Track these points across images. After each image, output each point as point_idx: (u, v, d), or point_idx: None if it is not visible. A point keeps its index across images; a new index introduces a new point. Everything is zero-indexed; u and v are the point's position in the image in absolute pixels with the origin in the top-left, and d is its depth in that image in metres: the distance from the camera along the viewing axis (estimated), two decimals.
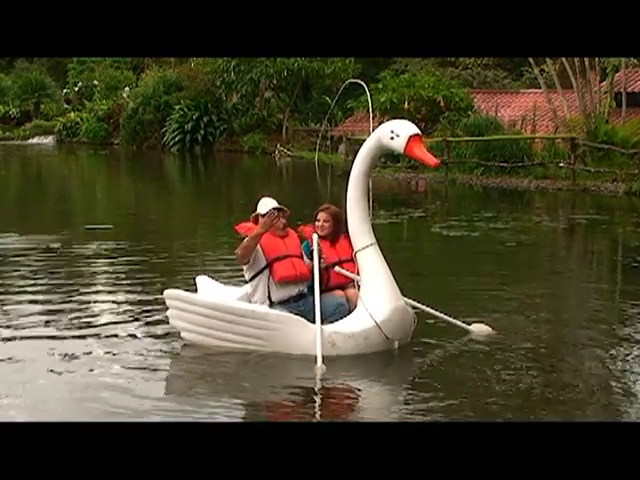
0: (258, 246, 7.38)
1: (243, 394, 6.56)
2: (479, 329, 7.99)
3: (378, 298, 7.29)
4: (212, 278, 8.20)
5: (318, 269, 7.41)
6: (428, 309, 7.90)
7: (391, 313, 7.29)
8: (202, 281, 8.01)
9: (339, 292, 7.62)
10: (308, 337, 7.13)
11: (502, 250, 13.25)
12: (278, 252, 7.45)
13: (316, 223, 7.83)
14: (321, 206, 7.99)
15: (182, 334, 7.54)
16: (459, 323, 7.98)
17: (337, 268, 7.63)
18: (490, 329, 8.01)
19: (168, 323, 7.74)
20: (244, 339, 7.26)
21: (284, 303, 7.40)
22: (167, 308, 7.65)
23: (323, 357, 6.95)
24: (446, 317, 7.98)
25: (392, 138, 7.16)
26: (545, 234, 15.41)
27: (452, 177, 24.07)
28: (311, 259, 7.56)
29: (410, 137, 7.09)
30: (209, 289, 7.89)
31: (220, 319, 7.30)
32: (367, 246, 7.43)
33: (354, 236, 7.49)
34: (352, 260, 7.63)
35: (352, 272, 7.59)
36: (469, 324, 8.03)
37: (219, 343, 7.36)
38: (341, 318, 7.35)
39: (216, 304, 7.44)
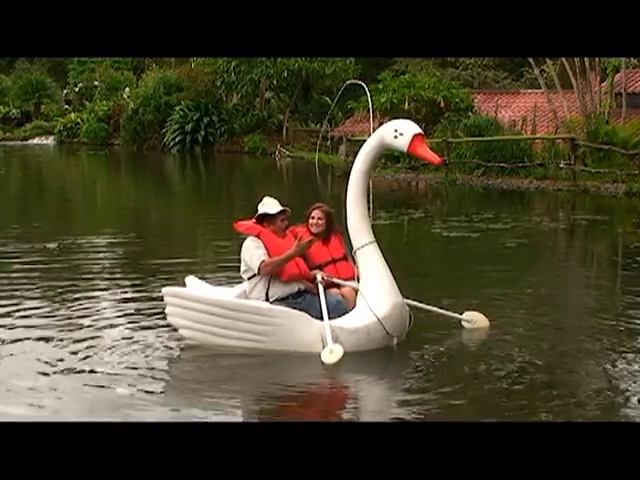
0: (263, 245, 7.43)
1: (243, 394, 6.56)
2: (472, 317, 8.13)
3: (379, 295, 7.36)
4: (211, 279, 8.21)
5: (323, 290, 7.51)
6: (420, 304, 7.95)
7: (392, 309, 7.36)
8: (191, 281, 8.01)
9: (335, 290, 7.67)
10: (312, 333, 7.18)
11: (502, 250, 13.25)
12: (282, 251, 7.48)
13: (310, 221, 7.86)
14: (314, 204, 8.03)
15: (181, 331, 7.50)
16: (451, 314, 8.10)
17: (335, 279, 7.69)
18: (482, 316, 8.14)
19: (167, 321, 7.73)
20: (246, 335, 7.27)
21: (283, 300, 7.42)
22: (165, 306, 7.62)
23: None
24: (437, 309, 8.09)
25: (396, 137, 7.27)
26: (545, 235, 15.40)
27: (452, 178, 24.06)
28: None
29: (414, 136, 7.19)
30: (199, 289, 7.89)
31: (221, 315, 7.30)
32: (367, 244, 7.49)
33: (354, 234, 7.54)
34: (344, 259, 7.78)
35: (346, 270, 7.73)
36: (461, 313, 8.16)
37: (219, 340, 7.35)
38: (339, 315, 7.39)
39: (217, 300, 7.46)
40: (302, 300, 7.46)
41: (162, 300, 7.72)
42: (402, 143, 7.24)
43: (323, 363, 6.98)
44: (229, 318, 7.28)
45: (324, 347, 7.07)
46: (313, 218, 7.85)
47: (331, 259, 7.79)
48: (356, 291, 7.56)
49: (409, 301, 7.77)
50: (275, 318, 7.23)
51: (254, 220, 7.61)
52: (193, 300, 7.43)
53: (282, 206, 7.61)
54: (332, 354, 6.97)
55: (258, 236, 7.50)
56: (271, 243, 7.48)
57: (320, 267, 7.71)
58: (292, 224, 7.86)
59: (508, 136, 25.18)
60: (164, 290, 7.61)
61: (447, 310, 8.16)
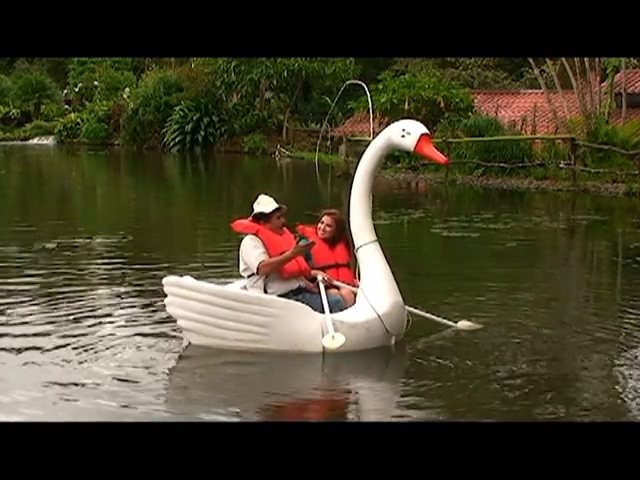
0: (262, 243, 7.46)
1: (243, 394, 6.56)
2: (465, 325, 8.15)
3: (379, 292, 7.40)
4: (209, 278, 8.20)
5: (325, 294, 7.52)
6: (415, 310, 7.96)
7: (391, 307, 7.41)
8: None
9: (334, 291, 7.71)
10: (313, 325, 7.20)
11: (502, 251, 13.26)
12: (281, 249, 7.51)
13: (319, 225, 7.91)
14: (328, 209, 8.10)
15: (179, 322, 7.46)
16: (445, 321, 8.12)
17: (336, 282, 7.74)
18: (475, 325, 8.16)
19: (166, 322, 7.73)
20: (245, 327, 7.25)
21: (283, 297, 7.43)
22: (165, 297, 7.58)
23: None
24: (432, 316, 8.11)
25: (403, 136, 7.36)
26: (545, 235, 15.41)
27: (452, 178, 24.07)
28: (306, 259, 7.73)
29: (421, 135, 7.25)
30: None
31: (222, 306, 7.28)
32: (369, 242, 7.53)
33: (357, 232, 7.59)
34: (347, 266, 7.89)
35: (346, 276, 7.81)
36: (456, 322, 8.17)
37: (217, 332, 7.32)
38: None
39: (219, 290, 7.46)
40: (301, 297, 7.49)
41: (161, 301, 7.72)
42: (409, 142, 7.32)
43: (324, 349, 7.06)
44: (230, 309, 7.26)
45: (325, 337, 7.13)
46: (322, 223, 7.91)
47: (334, 263, 7.87)
48: (355, 294, 7.60)
49: (406, 307, 7.80)
50: (276, 309, 7.24)
51: (251, 219, 7.63)
52: (194, 290, 7.40)
53: (278, 204, 7.64)
54: (334, 340, 7.02)
55: (256, 234, 7.52)
56: (269, 241, 7.51)
57: (323, 269, 7.76)
58: (290, 223, 7.88)
59: (508, 136, 25.18)
60: (165, 280, 7.55)
61: (442, 317, 8.15)
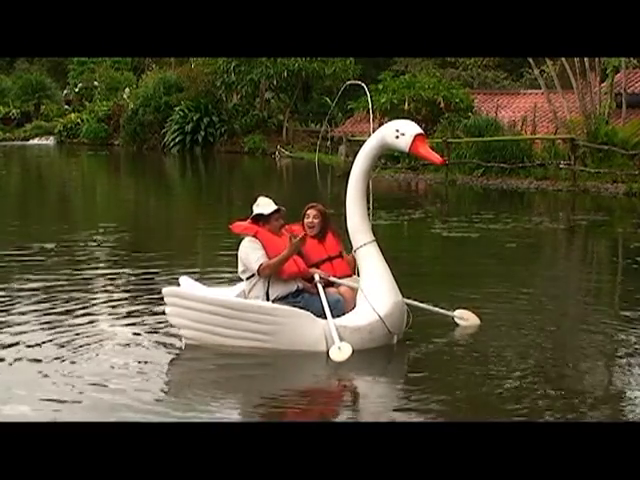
0: (261, 245, 7.45)
1: (243, 394, 6.56)
2: (463, 314, 8.23)
3: (380, 293, 7.40)
4: (209, 279, 8.20)
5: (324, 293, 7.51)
6: (412, 302, 7.98)
7: (392, 307, 7.41)
8: (185, 281, 7.99)
9: (332, 289, 7.70)
10: (316, 331, 7.20)
11: (502, 251, 13.25)
12: (280, 250, 7.50)
13: (305, 220, 7.88)
14: (309, 204, 8.04)
15: (181, 331, 7.50)
16: (442, 311, 8.19)
17: (332, 278, 7.74)
18: (473, 314, 8.23)
19: (167, 322, 7.73)
20: (248, 335, 7.26)
21: (283, 299, 7.44)
22: (165, 306, 7.61)
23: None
24: (430, 307, 8.17)
25: (397, 137, 7.31)
26: (545, 235, 15.40)
27: (452, 178, 24.06)
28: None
29: (415, 136, 7.22)
30: (195, 289, 7.88)
31: (224, 315, 7.29)
32: (367, 243, 7.54)
33: (354, 234, 7.59)
34: (340, 256, 7.87)
35: (342, 268, 7.81)
36: (453, 311, 8.25)
37: (220, 340, 7.34)
38: (337, 315, 7.41)
39: (220, 300, 7.46)
40: (301, 299, 7.49)
41: (162, 300, 7.72)
42: (403, 143, 7.28)
43: (330, 360, 7.02)
44: (232, 318, 7.28)
45: (328, 345, 7.10)
46: (308, 217, 7.89)
47: (327, 257, 7.85)
48: (353, 289, 7.60)
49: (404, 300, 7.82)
50: (279, 317, 7.24)
51: (250, 221, 7.63)
52: (194, 300, 7.42)
53: (277, 205, 7.64)
54: (341, 352, 7.01)
55: (255, 236, 7.52)
56: (269, 242, 7.51)
57: (317, 265, 7.75)
58: (289, 224, 7.88)
59: (508, 136, 25.16)
60: (164, 290, 7.59)
61: (440, 308, 8.25)
